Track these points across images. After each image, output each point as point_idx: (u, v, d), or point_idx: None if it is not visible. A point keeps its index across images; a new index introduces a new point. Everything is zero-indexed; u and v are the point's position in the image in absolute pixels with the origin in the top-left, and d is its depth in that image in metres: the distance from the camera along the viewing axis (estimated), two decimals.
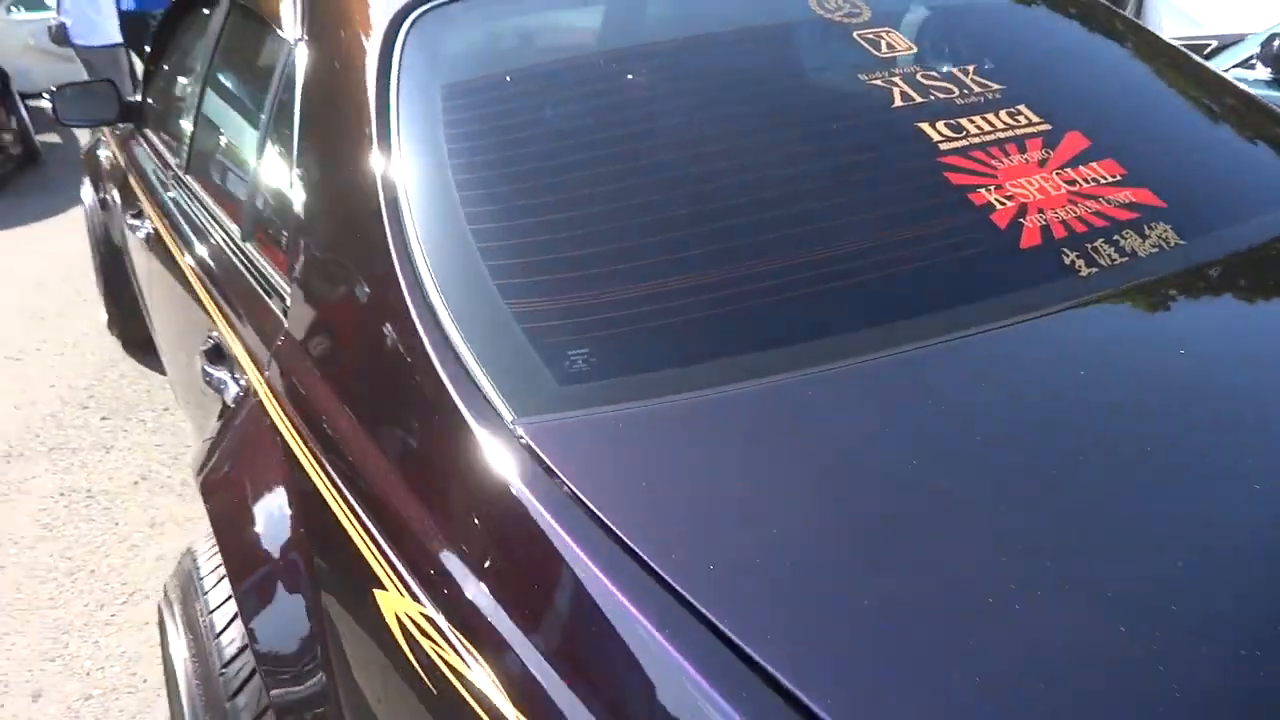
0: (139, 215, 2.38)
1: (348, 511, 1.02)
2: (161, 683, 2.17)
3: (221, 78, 2.04)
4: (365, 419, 1.06)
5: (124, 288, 3.54)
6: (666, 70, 1.33)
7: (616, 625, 0.76)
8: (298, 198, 1.36)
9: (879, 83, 1.35)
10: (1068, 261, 1.15)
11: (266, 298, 1.44)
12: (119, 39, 6.32)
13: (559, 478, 0.85)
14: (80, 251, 5.07)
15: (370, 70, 1.29)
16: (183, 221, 1.98)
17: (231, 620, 1.23)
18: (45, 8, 9.09)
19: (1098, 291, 1.12)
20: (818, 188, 1.19)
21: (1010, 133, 1.32)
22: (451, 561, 0.88)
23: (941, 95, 1.35)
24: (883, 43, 1.43)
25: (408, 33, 1.31)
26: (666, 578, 0.76)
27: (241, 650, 1.20)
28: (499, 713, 0.77)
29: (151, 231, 2.24)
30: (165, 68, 2.72)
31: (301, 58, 1.49)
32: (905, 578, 0.77)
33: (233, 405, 1.41)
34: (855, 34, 1.44)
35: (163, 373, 3.62)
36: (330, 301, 1.23)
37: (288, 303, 1.35)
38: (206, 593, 1.28)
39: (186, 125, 2.15)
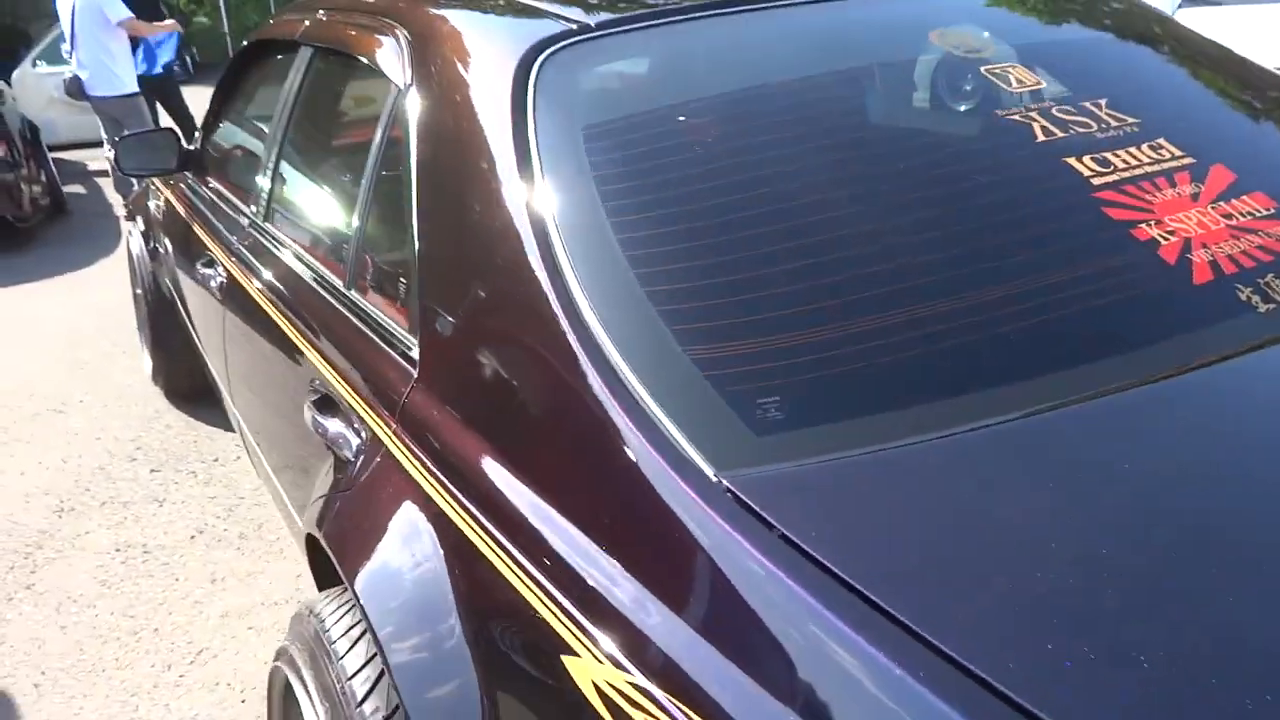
0: (210, 264, 2.35)
1: (521, 575, 0.97)
2: None
3: (305, 126, 2.02)
4: (538, 478, 1.01)
5: (173, 337, 3.51)
6: (818, 107, 1.30)
7: (864, 678, 0.71)
8: (422, 246, 1.33)
9: (1018, 118, 1.32)
10: (1243, 298, 1.11)
11: (386, 347, 1.40)
12: (136, 88, 6.35)
13: (779, 531, 0.80)
14: (115, 302, 5.06)
15: (501, 114, 1.26)
16: (267, 270, 1.95)
17: (373, 687, 1.17)
18: (66, 61, 9.20)
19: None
20: (990, 224, 1.16)
21: (1156, 167, 1.28)
22: (661, 625, 0.83)
23: (1080, 130, 1.32)
24: (1011, 78, 1.40)
25: (538, 74, 1.29)
26: (921, 631, 0.71)
27: None
28: None
29: (225, 280, 2.21)
30: (232, 116, 2.71)
31: (413, 103, 1.46)
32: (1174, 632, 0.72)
33: (354, 457, 1.37)
34: (983, 69, 1.41)
35: (211, 424, 3.58)
36: (478, 355, 1.19)
37: (413, 353, 1.31)
38: (341, 657, 1.22)
39: (264, 174, 2.12)
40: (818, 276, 1.06)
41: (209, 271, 2.34)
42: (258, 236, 2.09)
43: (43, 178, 6.84)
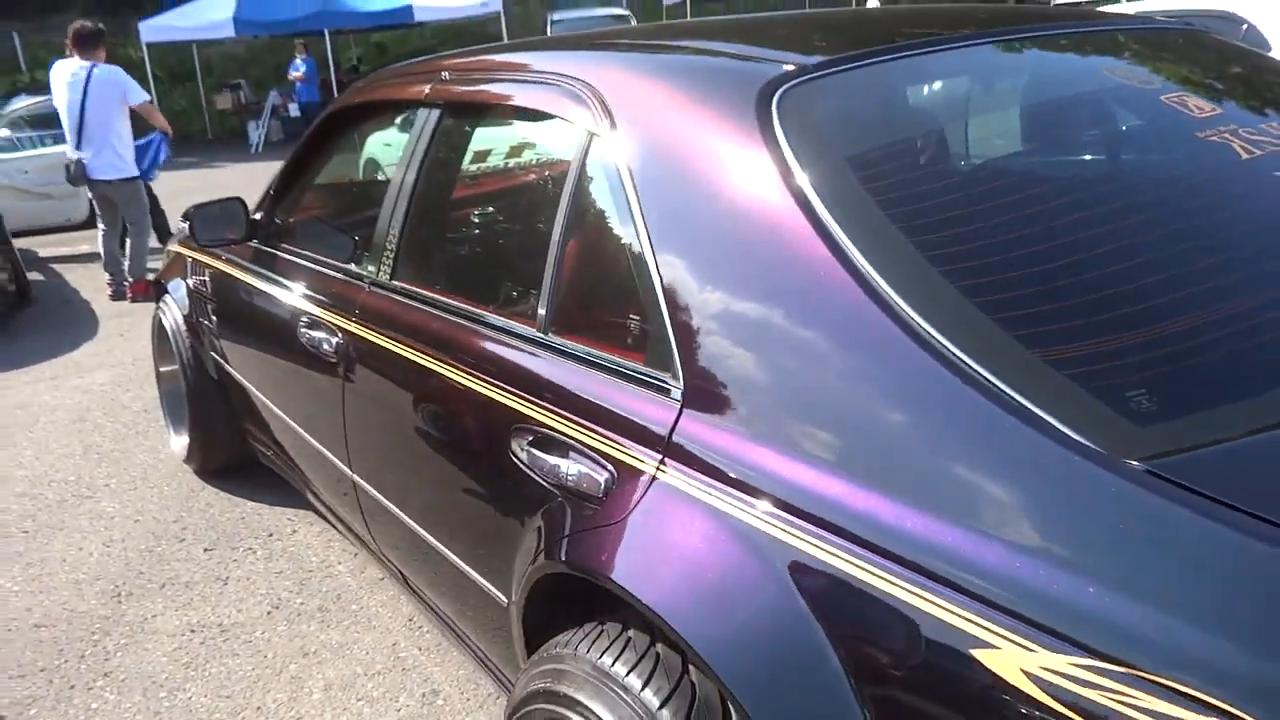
0: (314, 327, 2.32)
1: (894, 573, 1.00)
2: None
3: (444, 180, 2.04)
4: (886, 481, 1.04)
5: (216, 414, 3.44)
6: (1074, 131, 1.38)
7: None
8: (667, 278, 1.36)
9: (1216, 139, 1.42)
10: None
11: (623, 382, 1.42)
12: (138, 172, 6.31)
13: (1214, 498, 0.85)
14: (108, 384, 4.94)
15: (753, 151, 1.32)
16: (413, 328, 1.94)
17: (688, 717, 1.17)
18: (14, 148, 9.01)
19: None
20: (1246, 232, 1.25)
21: None
22: (1095, 602, 0.87)
23: (1273, 149, 1.43)
24: (1190, 104, 1.51)
25: (779, 112, 1.35)
26: None
27: None
28: None
29: (343, 342, 2.19)
30: (320, 182, 2.70)
31: (617, 146, 1.50)
32: None
33: (601, 493, 1.38)
34: (1162, 98, 1.52)
35: (254, 499, 3.48)
36: (769, 375, 1.22)
37: (668, 383, 1.34)
38: (639, 691, 1.21)
39: (385, 232, 2.12)
40: (1143, 279, 1.13)
41: (316, 336, 2.31)
42: (388, 296, 2.09)
43: (8, 266, 6.64)
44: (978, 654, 0.92)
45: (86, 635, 2.77)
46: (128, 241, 6.66)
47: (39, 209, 8.60)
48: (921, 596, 0.98)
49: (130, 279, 6.63)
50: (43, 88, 9.55)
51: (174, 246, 3.75)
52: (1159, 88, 1.55)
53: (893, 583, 1.00)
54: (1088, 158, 1.33)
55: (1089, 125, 1.45)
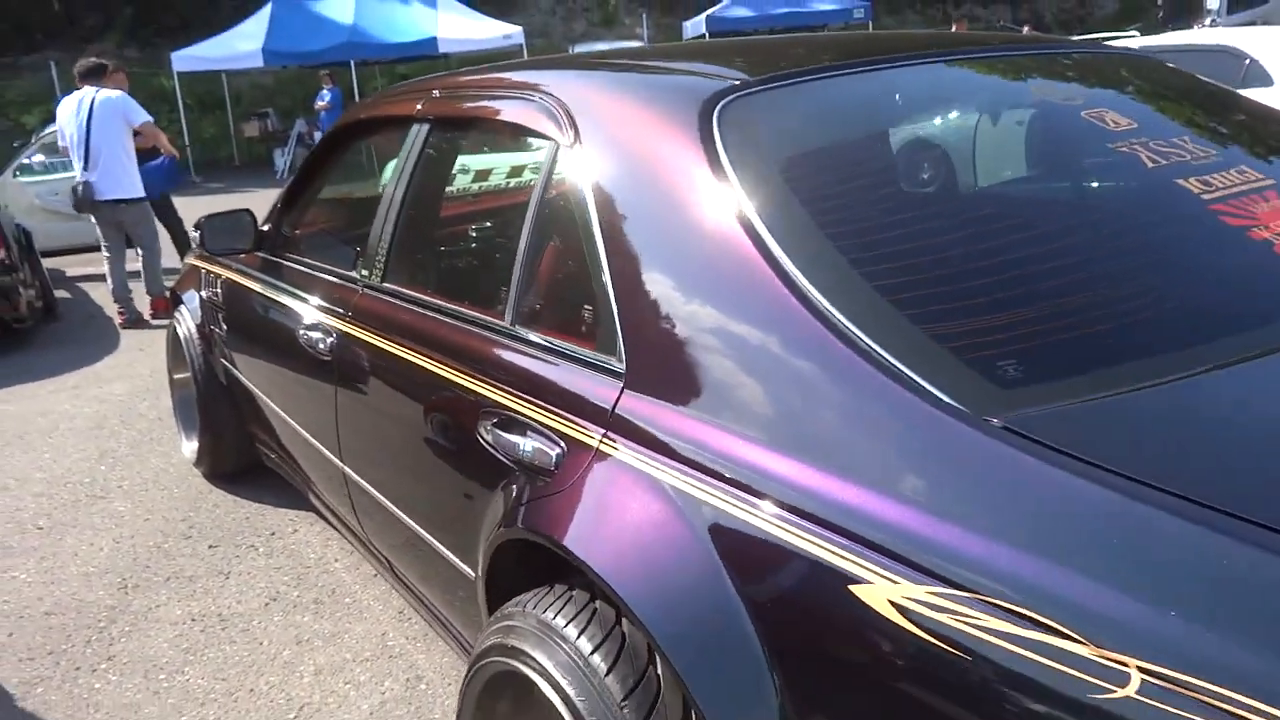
0: (314, 329, 2.47)
1: (792, 528, 1.11)
2: None
3: (431, 189, 2.19)
4: (794, 446, 1.16)
5: (225, 418, 3.59)
6: (982, 139, 1.52)
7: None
8: (616, 270, 1.50)
9: (1125, 149, 1.55)
10: None
11: (577, 366, 1.55)
12: (144, 193, 6.49)
13: (1065, 451, 0.97)
14: (126, 395, 5.12)
15: (693, 159, 1.45)
16: (399, 325, 2.08)
17: (615, 661, 1.29)
18: (46, 171, 9.32)
19: None
20: (1141, 225, 1.37)
21: (1247, 186, 1.51)
22: (951, 537, 0.98)
23: (1178, 159, 1.55)
24: (1108, 119, 1.64)
25: (719, 124, 1.48)
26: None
27: (635, 687, 1.26)
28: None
29: (336, 341, 2.33)
30: (323, 194, 2.87)
31: (580, 156, 1.65)
32: None
33: (553, 466, 1.50)
34: (1083, 113, 1.65)
35: (258, 501, 3.63)
36: (701, 355, 1.34)
37: (614, 365, 1.46)
38: (575, 640, 1.33)
39: (378, 238, 2.27)
40: (1026, 268, 1.26)
41: (314, 336, 2.46)
42: (378, 297, 2.23)
43: (36, 282, 6.88)
44: (854, 588, 1.04)
45: (93, 623, 2.91)
46: (140, 265, 6.79)
47: (69, 229, 8.87)
48: (811, 542, 1.09)
49: (150, 296, 6.80)
50: None
51: (190, 259, 3.93)
52: (1081, 104, 1.68)
53: (789, 530, 1.12)
54: (990, 163, 1.46)
55: (999, 135, 1.58)
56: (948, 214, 1.36)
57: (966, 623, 0.94)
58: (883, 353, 1.13)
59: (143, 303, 6.83)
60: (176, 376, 4.02)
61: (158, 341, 5.89)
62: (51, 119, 12.61)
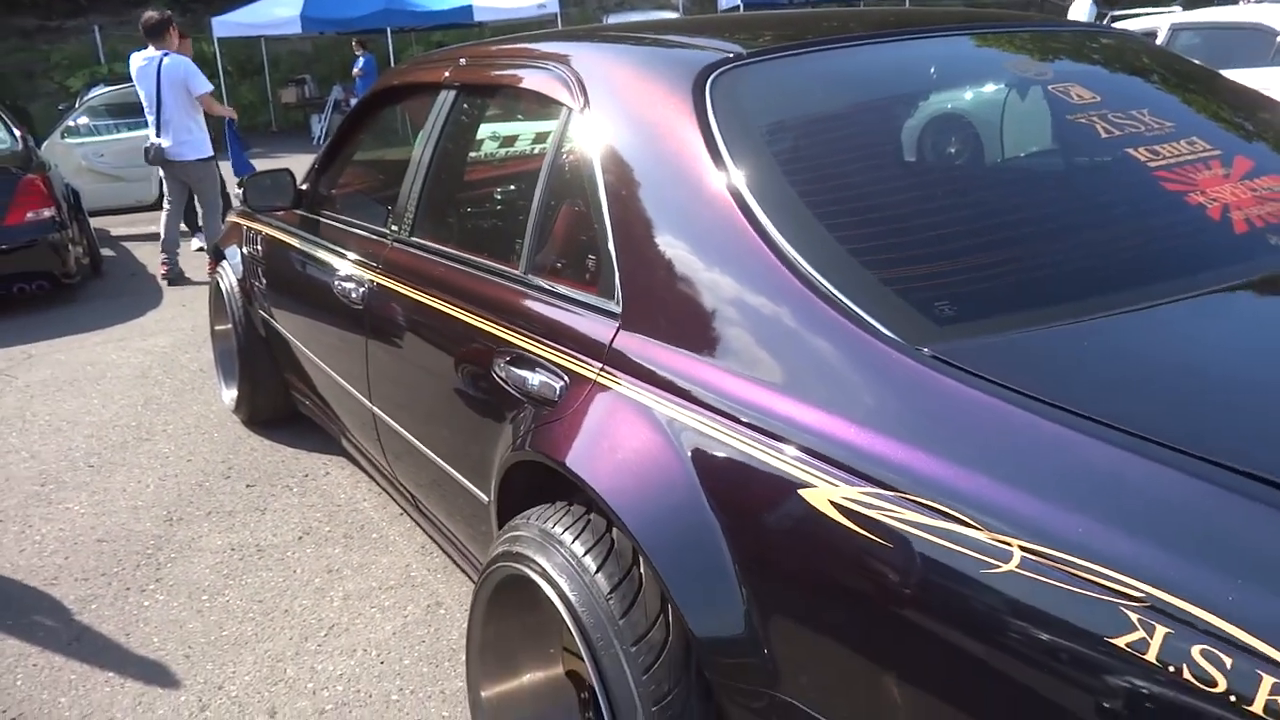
0: (348, 280, 2.67)
1: (754, 443, 1.29)
2: (386, 696, 2.36)
3: (457, 151, 2.38)
4: (757, 372, 1.34)
5: (263, 367, 3.82)
6: (951, 108, 1.67)
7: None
8: (618, 221, 1.67)
9: (1083, 121, 1.70)
10: (1273, 242, 1.47)
11: (579, 309, 1.73)
12: (212, 152, 6.79)
13: (972, 371, 1.14)
14: (170, 347, 5.37)
15: (687, 125, 1.62)
16: (425, 276, 2.27)
17: (604, 562, 1.48)
18: (91, 133, 9.60)
19: None
20: (1086, 187, 1.53)
21: (1194, 155, 1.66)
22: (883, 447, 1.16)
23: (1132, 130, 1.70)
24: (1072, 93, 1.78)
25: (711, 92, 1.65)
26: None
27: (620, 583, 1.45)
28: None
29: (369, 290, 2.53)
30: (357, 156, 3.06)
31: (591, 120, 1.82)
32: None
33: (556, 397, 1.69)
34: (1049, 87, 1.79)
35: (294, 446, 3.86)
36: (684, 296, 1.52)
37: (612, 308, 1.64)
38: (570, 544, 1.53)
39: (408, 196, 2.46)
40: (975, 221, 1.43)
41: (347, 286, 2.66)
42: (407, 250, 2.42)
43: (84, 240, 7.16)
44: (802, 492, 1.22)
45: (142, 550, 3.16)
46: (200, 223, 7.11)
47: (113, 190, 9.20)
48: (769, 453, 1.27)
49: (207, 253, 7.09)
50: (120, 78, 10.18)
51: (232, 217, 4.15)
52: (1050, 78, 1.82)
53: (752, 445, 1.30)
54: (955, 132, 1.62)
55: (970, 103, 1.73)
56: (901, 176, 1.53)
57: (891, 516, 1.12)
58: (837, 293, 1.30)
59: (188, 262, 7.10)
60: (218, 328, 4.25)
61: (199, 298, 6.15)
62: (96, 83, 12.97)
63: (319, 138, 16.59)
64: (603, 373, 1.61)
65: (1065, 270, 1.38)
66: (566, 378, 1.69)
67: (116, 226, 9.18)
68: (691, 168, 1.58)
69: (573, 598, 1.48)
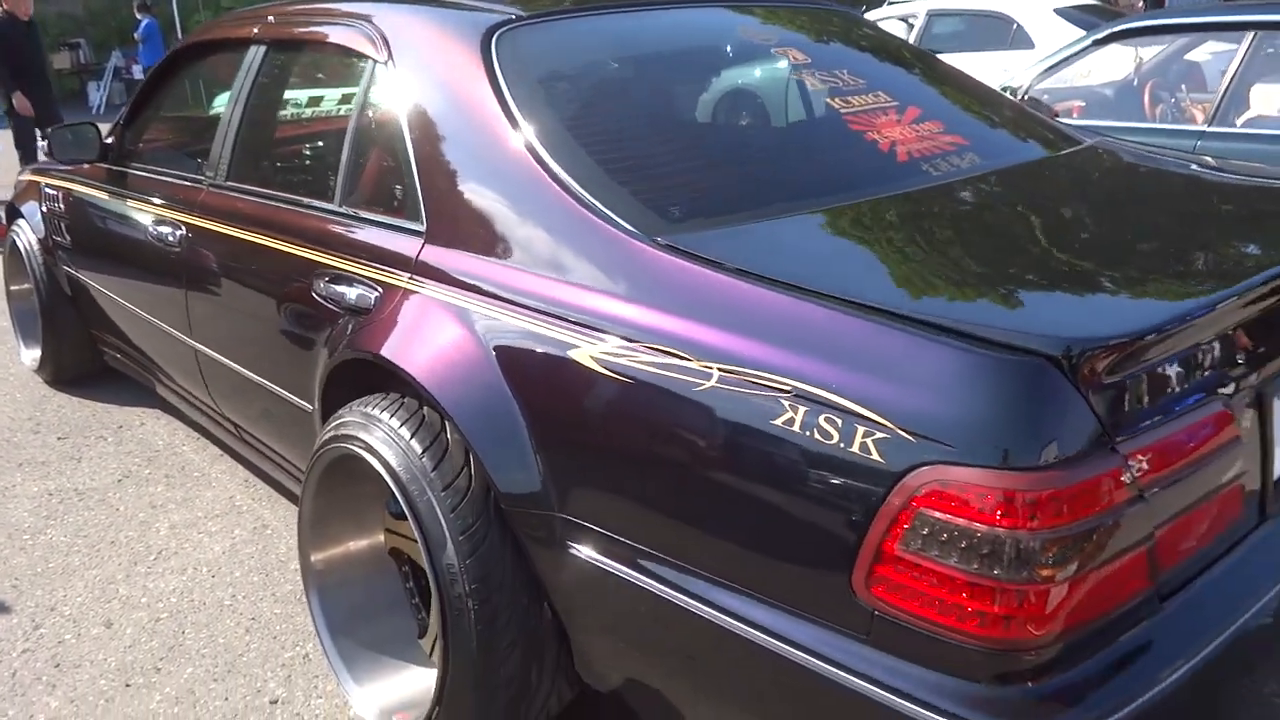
0: (162, 224, 2.83)
1: (535, 320, 1.65)
2: (220, 602, 2.58)
3: (269, 101, 2.60)
4: (534, 267, 1.70)
5: (69, 325, 3.85)
6: (694, 61, 2.09)
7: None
8: (421, 155, 1.98)
9: (797, 77, 2.15)
10: (925, 169, 1.96)
11: (389, 232, 2.03)
12: None
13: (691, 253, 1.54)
14: None
15: (475, 72, 1.95)
16: (242, 215, 2.50)
17: (417, 430, 1.80)
18: None
19: (940, 182, 1.94)
20: (791, 125, 1.97)
21: (876, 105, 2.13)
22: (626, 311, 1.54)
23: (832, 83, 2.16)
24: (790, 54, 2.23)
25: (496, 47, 1.98)
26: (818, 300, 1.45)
27: (430, 445, 1.78)
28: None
29: (187, 234, 2.71)
30: (166, 108, 3.19)
31: (395, 71, 2.11)
32: None
33: (372, 306, 1.99)
34: (772, 49, 2.24)
35: (104, 401, 3.91)
36: (478, 215, 1.85)
37: (417, 227, 1.96)
38: (388, 421, 1.84)
39: (222, 144, 2.66)
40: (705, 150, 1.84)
41: (163, 231, 2.82)
42: (223, 193, 2.63)
43: None
44: (570, 352, 1.59)
45: None
46: None
47: None
48: (545, 324, 1.63)
49: None
50: None
51: (26, 175, 4.11)
52: (775, 41, 2.27)
53: (531, 320, 1.66)
54: (696, 76, 2.04)
55: (707, 59, 2.16)
56: (645, 113, 1.93)
57: (633, 360, 1.50)
58: (595, 201, 1.68)
59: None
60: (14, 288, 4.20)
61: None
62: None
63: (98, 105, 15.66)
64: (412, 280, 1.92)
65: (768, 186, 1.81)
66: (380, 289, 1.99)
67: None
68: (480, 109, 1.91)
69: (392, 462, 1.80)
